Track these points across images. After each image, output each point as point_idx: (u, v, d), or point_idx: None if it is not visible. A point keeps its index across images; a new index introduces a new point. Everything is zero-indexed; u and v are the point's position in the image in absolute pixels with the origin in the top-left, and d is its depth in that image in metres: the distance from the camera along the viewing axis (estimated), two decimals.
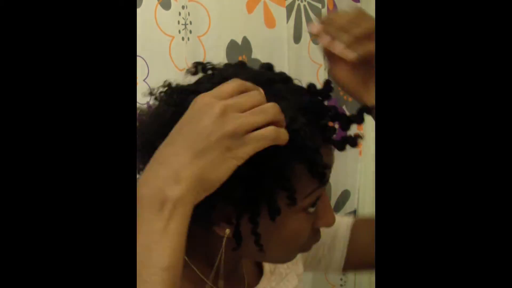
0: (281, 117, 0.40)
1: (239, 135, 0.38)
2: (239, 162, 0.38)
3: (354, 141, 0.48)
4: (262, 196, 0.43)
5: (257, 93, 0.40)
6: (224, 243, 0.46)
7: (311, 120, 0.45)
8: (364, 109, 0.50)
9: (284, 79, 0.49)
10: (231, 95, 0.39)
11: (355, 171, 1.22)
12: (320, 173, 0.45)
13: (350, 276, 1.23)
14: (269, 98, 0.41)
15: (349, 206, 1.23)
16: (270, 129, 0.38)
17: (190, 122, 0.39)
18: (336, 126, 0.49)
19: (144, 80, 0.80)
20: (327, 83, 0.50)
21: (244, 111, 0.38)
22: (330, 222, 0.50)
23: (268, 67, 0.51)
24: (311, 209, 0.47)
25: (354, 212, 1.23)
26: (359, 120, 0.49)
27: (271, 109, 0.39)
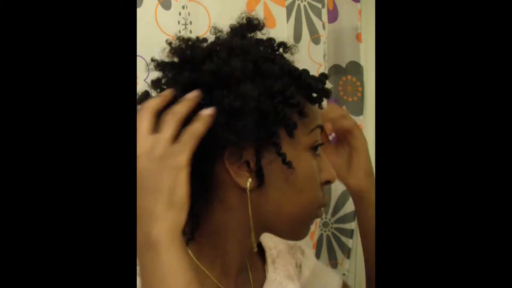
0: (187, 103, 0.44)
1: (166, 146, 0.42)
2: (184, 169, 0.42)
3: (327, 93, 0.53)
4: (277, 118, 0.47)
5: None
6: (248, 193, 0.48)
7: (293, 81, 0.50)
8: (323, 75, 0.55)
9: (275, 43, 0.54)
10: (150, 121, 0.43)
11: None
12: (318, 95, 0.51)
13: (351, 275, 1.23)
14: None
15: (349, 206, 1.23)
16: (191, 128, 0.43)
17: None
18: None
19: (144, 80, 0.80)
20: (323, 76, 0.54)
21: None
22: (332, 176, 0.54)
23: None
24: (316, 152, 0.52)
25: (354, 212, 1.23)
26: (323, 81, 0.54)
27: (179, 109, 0.44)
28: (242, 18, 0.54)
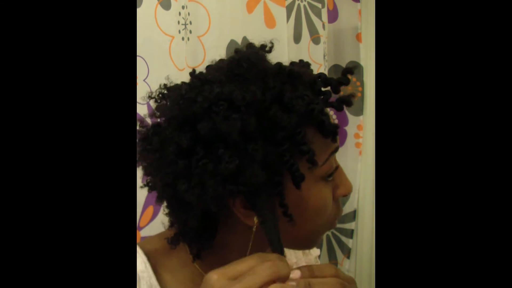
0: (283, 271, 0.41)
1: None
2: None
3: (349, 100, 0.49)
4: (284, 167, 0.44)
5: (269, 266, 0.40)
6: (253, 234, 0.47)
7: (307, 88, 0.47)
8: (348, 70, 0.52)
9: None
10: (243, 273, 0.40)
11: (355, 171, 1.22)
12: (331, 131, 0.46)
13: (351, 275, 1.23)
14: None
15: (349, 206, 1.23)
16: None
17: None
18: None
19: (144, 80, 0.80)
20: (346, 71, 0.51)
21: None
22: (348, 189, 0.52)
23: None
24: (329, 179, 0.49)
25: (354, 212, 1.23)
26: (346, 81, 0.51)
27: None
28: (243, 46, 0.51)
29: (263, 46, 0.51)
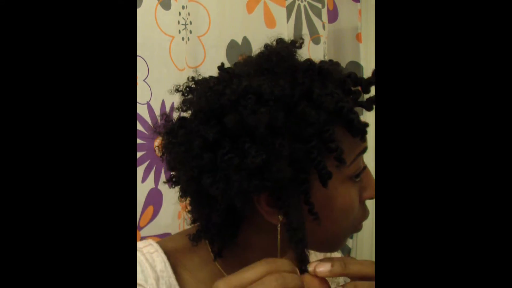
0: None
1: None
2: None
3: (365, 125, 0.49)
4: (311, 164, 0.43)
5: (277, 278, 0.39)
6: (279, 231, 0.46)
7: (336, 86, 0.46)
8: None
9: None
10: (251, 283, 0.39)
11: None
12: (360, 130, 0.46)
13: None
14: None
15: None
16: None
17: None
18: None
19: (144, 80, 0.80)
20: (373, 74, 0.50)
21: None
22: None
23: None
24: (357, 179, 0.48)
25: None
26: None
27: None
28: (274, 42, 0.50)
29: (293, 42, 0.50)
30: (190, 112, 0.48)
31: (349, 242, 1.24)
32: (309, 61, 0.47)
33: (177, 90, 0.50)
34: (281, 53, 0.46)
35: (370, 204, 0.55)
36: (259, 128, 0.41)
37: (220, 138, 0.42)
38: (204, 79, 0.49)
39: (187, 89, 0.49)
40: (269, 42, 0.50)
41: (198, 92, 0.47)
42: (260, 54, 0.48)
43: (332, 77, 0.47)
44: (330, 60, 0.51)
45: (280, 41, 0.50)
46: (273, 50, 0.47)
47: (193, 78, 0.50)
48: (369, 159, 1.32)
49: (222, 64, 0.51)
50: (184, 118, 0.48)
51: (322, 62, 0.50)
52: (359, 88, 0.49)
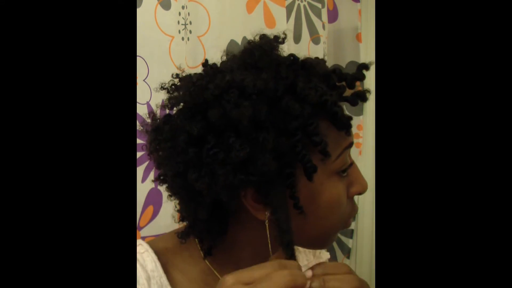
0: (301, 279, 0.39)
1: None
2: None
3: (364, 95, 0.49)
4: (296, 158, 0.43)
5: (285, 274, 0.39)
6: (267, 228, 0.46)
7: (321, 80, 0.46)
8: (363, 65, 0.51)
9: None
10: (260, 279, 0.39)
11: None
12: (344, 123, 0.46)
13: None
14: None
15: None
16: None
17: None
18: None
19: (144, 80, 0.80)
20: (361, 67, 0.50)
21: None
22: (364, 187, 0.51)
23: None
24: (344, 174, 0.48)
25: None
26: (362, 76, 0.50)
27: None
28: (256, 37, 0.50)
29: (276, 37, 0.50)
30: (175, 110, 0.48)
31: (349, 242, 1.24)
32: (292, 56, 0.48)
33: (162, 88, 0.50)
34: (263, 48, 0.47)
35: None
36: (243, 121, 0.41)
37: (204, 133, 0.43)
38: (188, 75, 0.49)
39: (173, 86, 0.50)
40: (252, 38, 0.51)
41: (182, 89, 0.47)
42: (244, 50, 0.48)
43: (316, 72, 0.47)
44: (316, 58, 0.51)
45: (263, 36, 0.51)
46: (256, 45, 0.48)
47: (177, 75, 0.50)
48: (369, 159, 1.33)
49: (206, 60, 0.51)
50: (169, 115, 0.48)
51: (306, 57, 0.50)
52: (344, 83, 0.49)
